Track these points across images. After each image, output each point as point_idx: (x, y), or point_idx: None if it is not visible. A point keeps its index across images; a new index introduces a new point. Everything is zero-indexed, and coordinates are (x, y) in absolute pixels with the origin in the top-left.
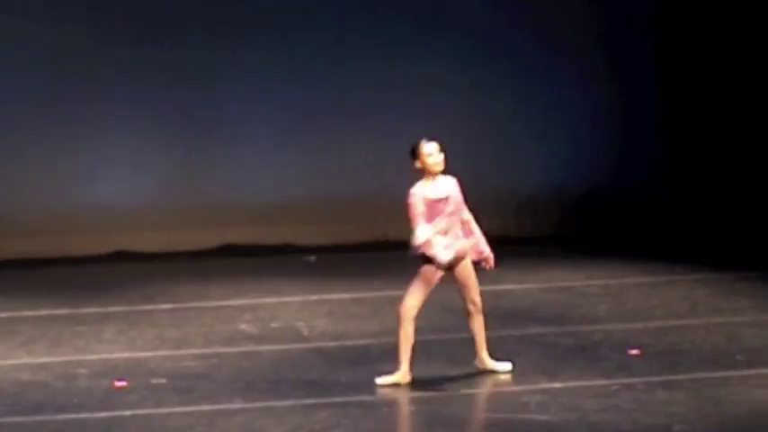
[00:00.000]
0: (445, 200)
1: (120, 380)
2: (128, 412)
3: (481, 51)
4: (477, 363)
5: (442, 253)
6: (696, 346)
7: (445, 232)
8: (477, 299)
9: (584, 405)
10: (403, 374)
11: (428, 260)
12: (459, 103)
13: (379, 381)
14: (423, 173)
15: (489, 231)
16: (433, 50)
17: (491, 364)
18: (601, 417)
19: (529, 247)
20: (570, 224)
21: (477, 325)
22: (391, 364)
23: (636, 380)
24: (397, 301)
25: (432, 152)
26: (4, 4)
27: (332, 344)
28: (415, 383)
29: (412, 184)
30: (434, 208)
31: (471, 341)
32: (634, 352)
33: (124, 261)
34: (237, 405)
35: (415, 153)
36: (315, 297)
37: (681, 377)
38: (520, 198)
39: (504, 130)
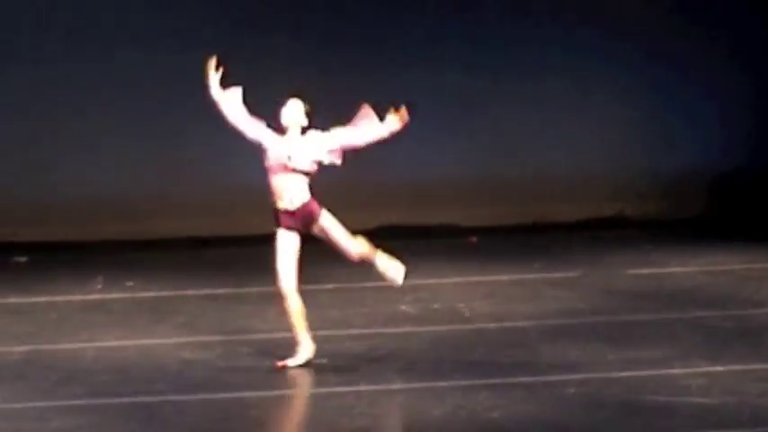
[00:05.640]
0: None
1: (282, 359)
2: (289, 391)
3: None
4: None
5: None
6: None
7: None
8: None
9: (745, 389)
10: None
11: None
12: (612, 92)
13: None
14: None
15: (641, 214)
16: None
17: None
18: (763, 401)
19: (684, 230)
20: (725, 206)
21: None
22: (550, 345)
23: None
24: (558, 283)
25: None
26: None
27: (492, 325)
28: (575, 365)
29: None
30: None
31: (631, 325)
32: None
33: None
34: (397, 385)
35: None
36: (475, 279)
37: None
38: (671, 180)
39: (652, 115)
